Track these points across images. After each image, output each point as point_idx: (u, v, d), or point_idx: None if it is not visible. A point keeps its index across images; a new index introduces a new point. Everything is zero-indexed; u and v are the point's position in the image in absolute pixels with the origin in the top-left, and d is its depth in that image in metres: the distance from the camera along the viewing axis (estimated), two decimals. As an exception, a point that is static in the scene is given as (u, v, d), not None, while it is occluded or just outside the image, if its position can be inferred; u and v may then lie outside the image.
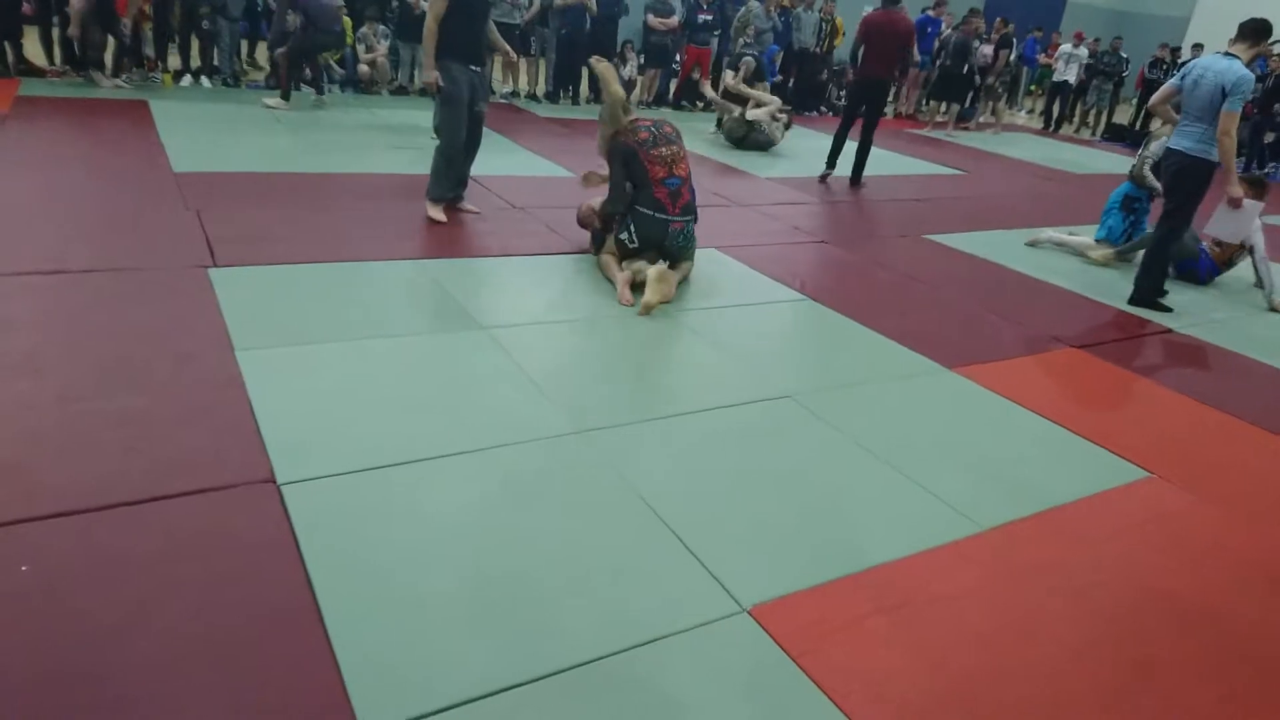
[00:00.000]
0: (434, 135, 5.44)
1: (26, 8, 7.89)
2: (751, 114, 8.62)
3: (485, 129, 6.77)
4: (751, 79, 8.88)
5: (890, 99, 12.21)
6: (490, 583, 2.13)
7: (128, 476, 2.34)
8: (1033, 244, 6.10)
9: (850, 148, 7.50)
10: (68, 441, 2.47)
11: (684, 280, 4.41)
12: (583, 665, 1.90)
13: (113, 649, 1.79)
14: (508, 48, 5.53)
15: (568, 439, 2.83)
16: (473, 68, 4.86)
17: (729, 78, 8.96)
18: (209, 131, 6.57)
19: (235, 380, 2.91)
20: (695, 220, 4.38)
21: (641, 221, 4.26)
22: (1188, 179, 4.66)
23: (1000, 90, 12.70)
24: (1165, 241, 4.88)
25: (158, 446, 2.49)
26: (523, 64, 10.16)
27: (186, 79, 8.50)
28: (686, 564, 2.28)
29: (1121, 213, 5.92)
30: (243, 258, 4.02)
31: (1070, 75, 13.37)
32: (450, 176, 5.04)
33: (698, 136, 8.87)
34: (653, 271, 4.12)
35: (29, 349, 2.96)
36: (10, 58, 7.89)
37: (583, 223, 4.89)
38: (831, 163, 7.65)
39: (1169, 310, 4.89)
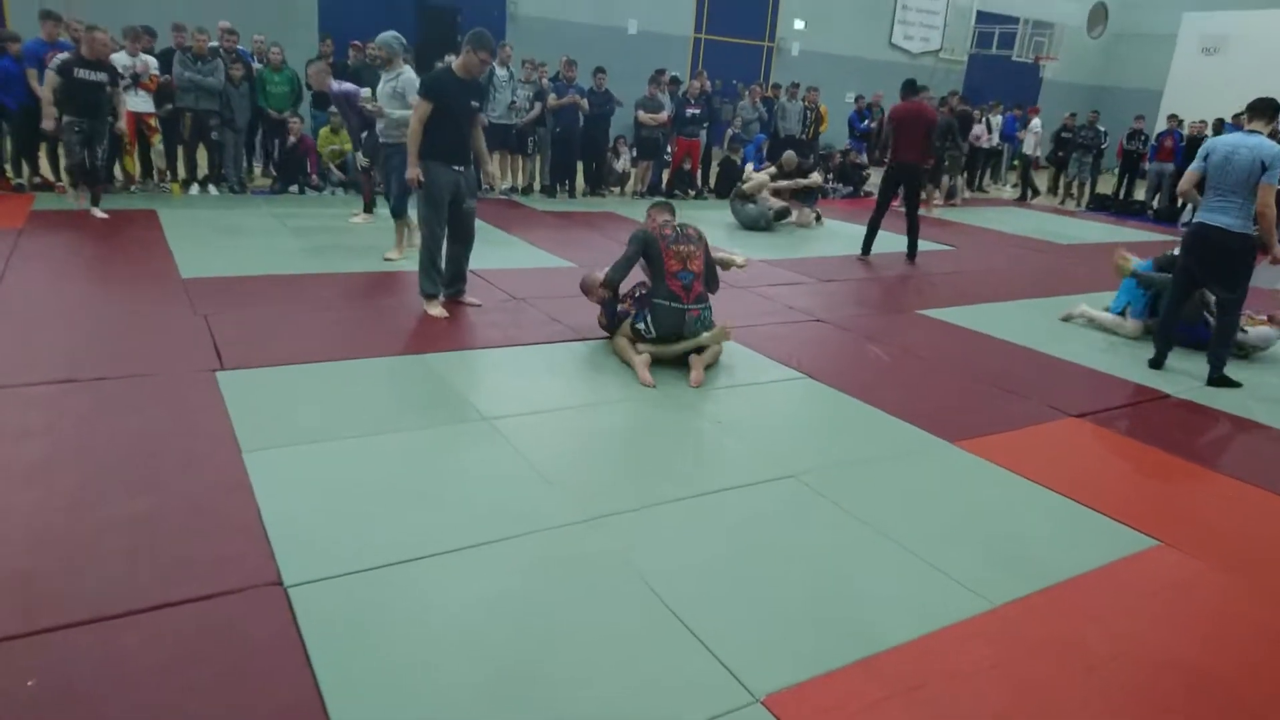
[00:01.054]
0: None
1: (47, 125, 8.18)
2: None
3: (484, 223, 6.95)
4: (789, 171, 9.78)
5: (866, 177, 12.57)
6: (499, 678, 2.11)
7: (135, 584, 2.34)
8: (1067, 319, 6.17)
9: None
10: (76, 550, 2.48)
11: (712, 364, 4.54)
12: (596, 762, 1.87)
13: (120, 763, 1.77)
14: (488, 164, 5.72)
15: (574, 528, 2.83)
16: (456, 167, 5.03)
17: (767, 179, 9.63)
18: (216, 237, 6.76)
19: (242, 481, 2.94)
20: (709, 306, 4.58)
21: (659, 312, 4.42)
22: (1237, 257, 4.75)
23: (951, 165, 12.66)
24: (1232, 325, 4.96)
25: (165, 551, 2.50)
26: (519, 161, 10.49)
27: (194, 188, 8.76)
28: (697, 653, 2.26)
29: (1140, 290, 5.93)
30: (250, 360, 4.09)
31: (1029, 148, 13.83)
32: (438, 271, 5.15)
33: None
34: (693, 357, 4.43)
35: (41, 458, 3.00)
36: (26, 173, 8.17)
37: (586, 290, 5.03)
38: (866, 249, 8.10)
39: (1238, 385, 4.89)
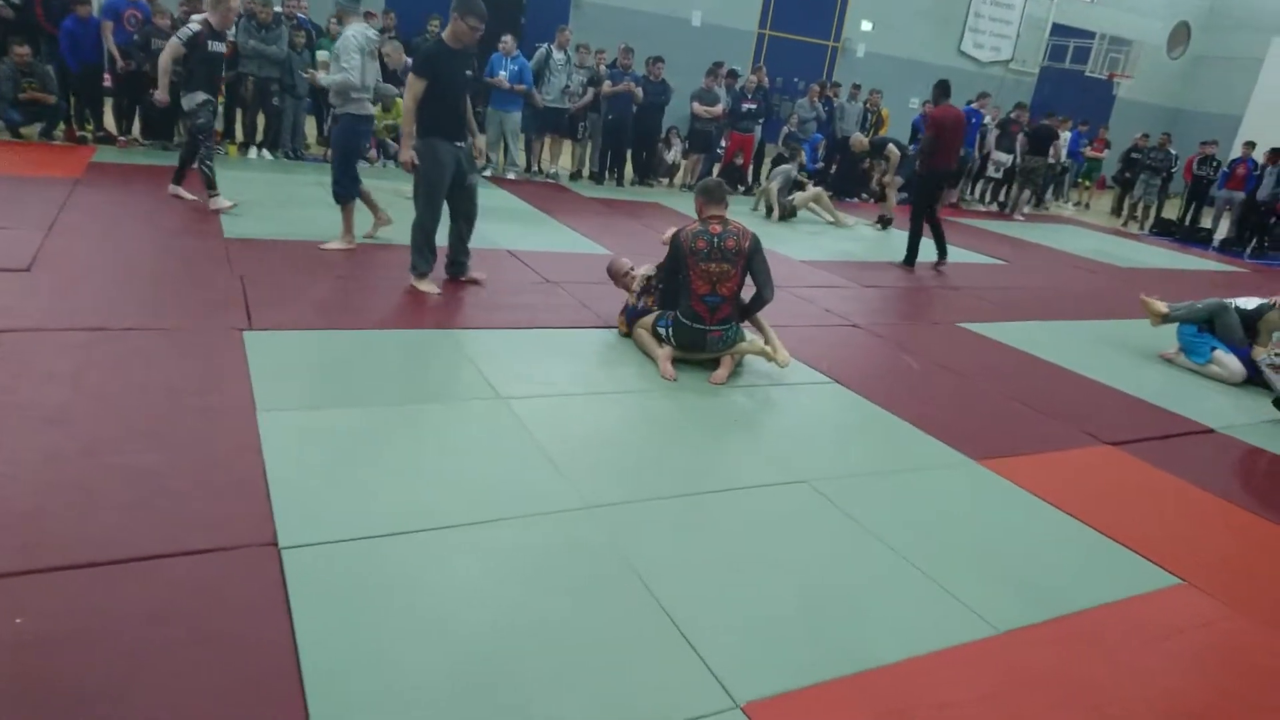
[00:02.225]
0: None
1: (107, 79, 8.40)
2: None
3: (528, 204, 6.91)
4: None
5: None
6: (478, 662, 2.09)
7: (135, 533, 2.37)
8: (1170, 360, 5.76)
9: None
10: (83, 495, 2.52)
11: (740, 363, 4.43)
12: (563, 754, 1.84)
13: (99, 706, 1.79)
14: (478, 138, 5.48)
15: (574, 514, 2.80)
16: (458, 144, 4.91)
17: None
18: (264, 200, 6.85)
19: (252, 441, 2.96)
20: (734, 326, 4.30)
21: (680, 329, 4.26)
22: None
23: (1037, 181, 12.76)
24: None
25: (169, 503, 2.53)
26: (567, 145, 10.48)
27: (251, 151, 8.91)
28: (682, 654, 2.22)
29: (1204, 335, 5.57)
30: (279, 322, 4.13)
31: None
32: (431, 250, 5.02)
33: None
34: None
35: (62, 401, 3.06)
36: (90, 126, 8.39)
37: (612, 275, 4.96)
38: (911, 261, 7.85)
39: None
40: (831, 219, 9.63)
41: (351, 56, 5.22)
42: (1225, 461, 4.13)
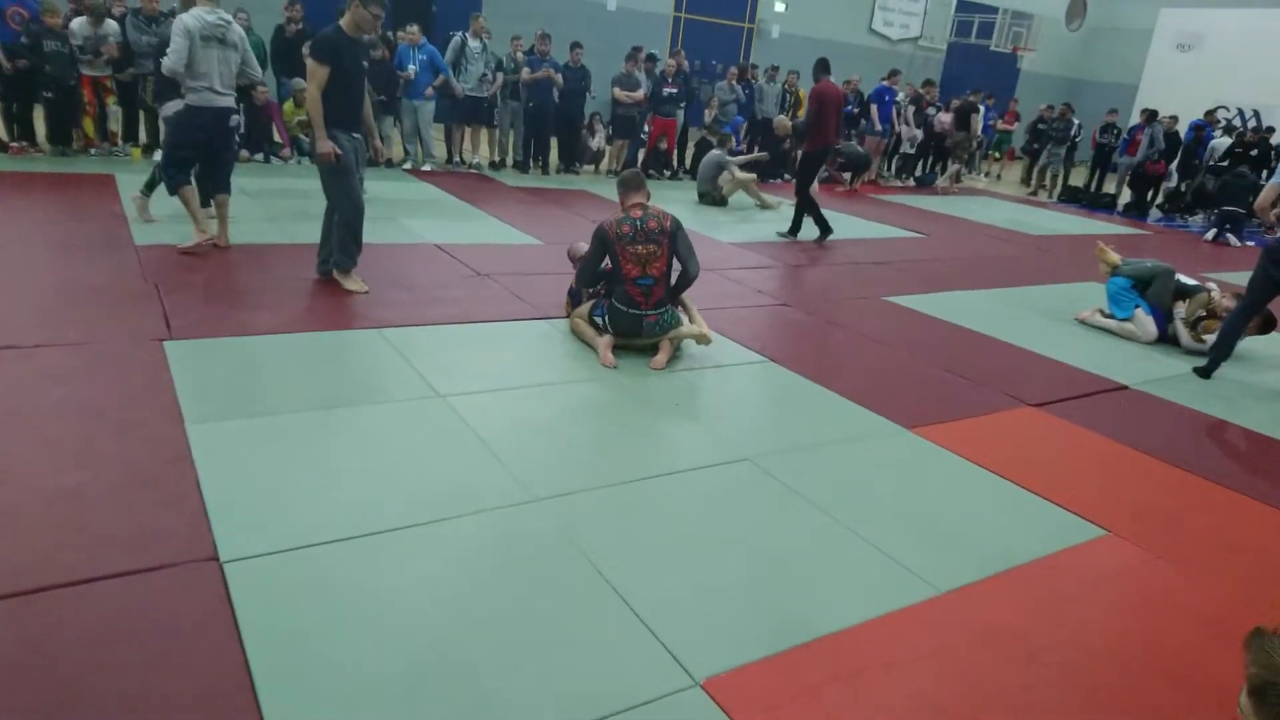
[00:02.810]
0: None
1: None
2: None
3: (452, 196, 6.80)
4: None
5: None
6: (437, 660, 2.08)
7: (60, 557, 2.27)
8: (1083, 322, 6.00)
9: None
10: (4, 520, 2.40)
11: (678, 347, 4.45)
12: (528, 745, 1.85)
13: (33, 741, 1.72)
14: (376, 136, 5.29)
15: (521, 508, 2.80)
16: (355, 135, 4.81)
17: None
18: (172, 203, 6.56)
19: (183, 454, 2.87)
20: (669, 309, 4.36)
21: (615, 315, 4.30)
22: None
23: (964, 155, 13.22)
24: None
25: (97, 524, 2.44)
26: (484, 134, 10.35)
27: (156, 153, 8.54)
28: (639, 636, 2.24)
29: (1133, 292, 5.81)
30: (199, 330, 4.00)
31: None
32: (357, 245, 4.91)
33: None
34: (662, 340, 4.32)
35: (-29, 426, 2.90)
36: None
37: (573, 259, 4.92)
38: (824, 231, 7.99)
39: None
40: (759, 203, 9.75)
41: (176, 40, 4.94)
42: (1139, 416, 4.35)
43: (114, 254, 5.07)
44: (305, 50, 5.36)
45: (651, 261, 4.26)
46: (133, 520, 2.48)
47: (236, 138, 5.45)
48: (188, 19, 4.98)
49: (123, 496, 2.59)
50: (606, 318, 4.33)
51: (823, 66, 7.93)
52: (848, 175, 11.97)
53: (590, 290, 4.61)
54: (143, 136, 8.66)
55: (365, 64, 4.83)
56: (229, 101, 5.26)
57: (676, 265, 4.39)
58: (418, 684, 1.99)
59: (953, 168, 13.31)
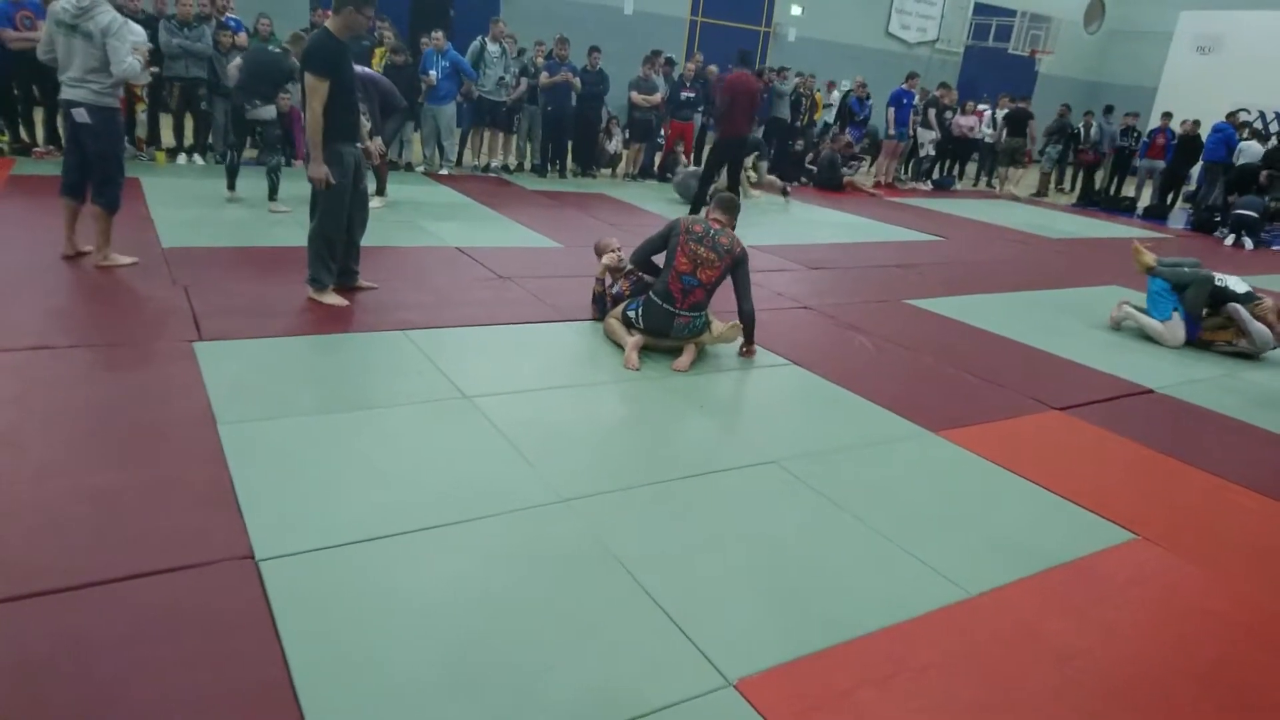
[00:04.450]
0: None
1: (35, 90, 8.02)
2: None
3: (473, 200, 6.81)
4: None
5: (869, 169, 12.61)
6: (470, 658, 2.09)
7: (100, 555, 2.30)
8: (1116, 325, 5.93)
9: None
10: (42, 519, 2.44)
11: (702, 350, 4.48)
12: (564, 744, 1.86)
13: (80, 735, 1.74)
14: (367, 139, 5.11)
15: (551, 508, 2.81)
16: (357, 144, 4.69)
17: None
18: (199, 207, 6.66)
19: (216, 454, 2.90)
20: (702, 315, 4.38)
21: (650, 307, 4.33)
22: None
23: (1021, 160, 13.66)
24: None
25: (134, 523, 2.47)
26: (501, 139, 10.39)
27: (180, 157, 8.64)
28: (671, 636, 2.25)
29: (1173, 295, 5.72)
30: (229, 331, 4.04)
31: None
32: (335, 260, 4.70)
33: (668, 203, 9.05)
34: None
35: (8, 425, 2.95)
36: (5, 137, 8.04)
37: (598, 252, 5.02)
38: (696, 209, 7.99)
39: None
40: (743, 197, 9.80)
41: (131, 39, 4.70)
42: (1165, 420, 4.32)
43: (142, 256, 5.12)
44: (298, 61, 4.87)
45: (704, 267, 4.31)
46: (168, 519, 2.51)
47: (105, 142, 4.78)
48: (53, 4, 4.60)
49: (157, 496, 2.62)
50: (640, 311, 4.37)
51: (740, 58, 7.96)
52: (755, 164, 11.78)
53: (624, 283, 4.70)
54: (170, 140, 8.74)
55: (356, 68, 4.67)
56: (77, 94, 4.62)
57: (724, 291, 4.49)
58: (452, 682, 2.01)
59: (1016, 172, 13.65)
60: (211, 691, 1.89)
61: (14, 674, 1.88)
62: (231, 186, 7.19)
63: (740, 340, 4.52)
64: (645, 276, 4.67)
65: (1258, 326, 5.45)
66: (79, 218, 4.96)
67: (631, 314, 4.41)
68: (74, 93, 4.64)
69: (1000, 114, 13.66)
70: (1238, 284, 5.72)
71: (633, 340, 4.32)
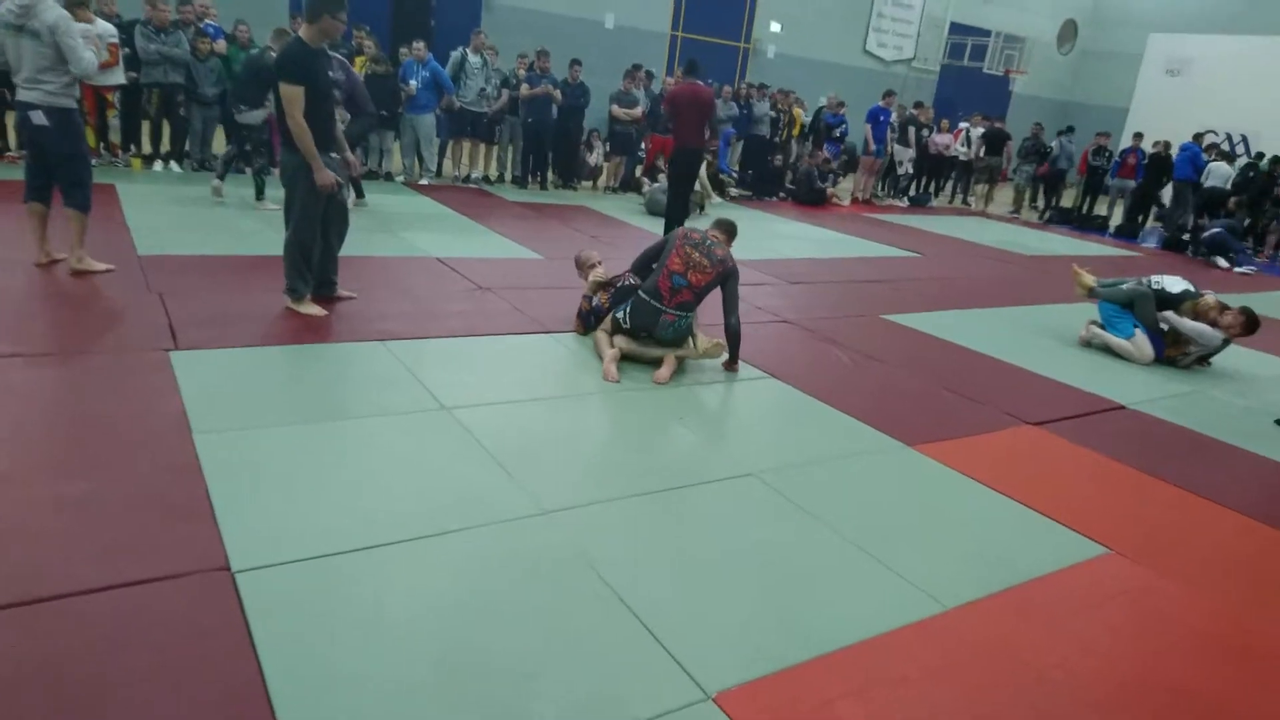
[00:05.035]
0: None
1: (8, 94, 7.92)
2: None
3: (452, 211, 6.78)
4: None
5: (832, 185, 12.72)
6: (447, 671, 2.08)
7: (74, 565, 2.27)
8: (1085, 344, 5.98)
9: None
10: (10, 529, 2.40)
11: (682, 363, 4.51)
12: (543, 757, 1.85)
13: (50, 750, 1.72)
14: (347, 149, 5.01)
15: (530, 521, 2.81)
16: (334, 154, 4.63)
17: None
18: (176, 215, 6.60)
19: (192, 464, 2.87)
20: (688, 316, 4.45)
21: (637, 306, 4.43)
22: None
23: (996, 178, 14.08)
24: None
25: (108, 533, 2.43)
26: (482, 150, 10.39)
27: (157, 164, 8.56)
28: (650, 649, 2.25)
29: (1126, 314, 5.82)
30: (205, 341, 4.00)
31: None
32: (310, 270, 4.65)
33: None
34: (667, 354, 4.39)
35: (-21, 434, 2.90)
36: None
37: (578, 265, 5.08)
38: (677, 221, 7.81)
39: None
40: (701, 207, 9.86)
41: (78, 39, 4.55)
42: (1137, 435, 4.39)
43: (117, 264, 5.06)
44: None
45: (696, 270, 4.43)
46: (143, 529, 2.48)
47: (66, 143, 4.68)
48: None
49: (132, 506, 2.59)
50: (628, 310, 4.46)
51: (688, 67, 7.88)
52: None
53: (604, 296, 4.77)
54: (146, 146, 8.66)
55: (331, 75, 4.65)
56: (31, 97, 4.52)
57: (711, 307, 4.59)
58: (429, 693, 2.00)
59: (983, 189, 14.04)
60: (187, 702, 1.87)
61: (-17, 687, 1.85)
62: (221, 177, 7.45)
63: (724, 357, 4.55)
64: (631, 280, 4.70)
65: (1194, 326, 5.58)
66: (48, 223, 4.89)
67: (620, 315, 4.49)
68: (28, 94, 4.53)
69: (976, 132, 13.87)
70: (1173, 284, 5.87)
71: (611, 352, 4.34)
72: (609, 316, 4.60)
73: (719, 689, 2.13)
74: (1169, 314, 5.69)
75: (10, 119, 8.03)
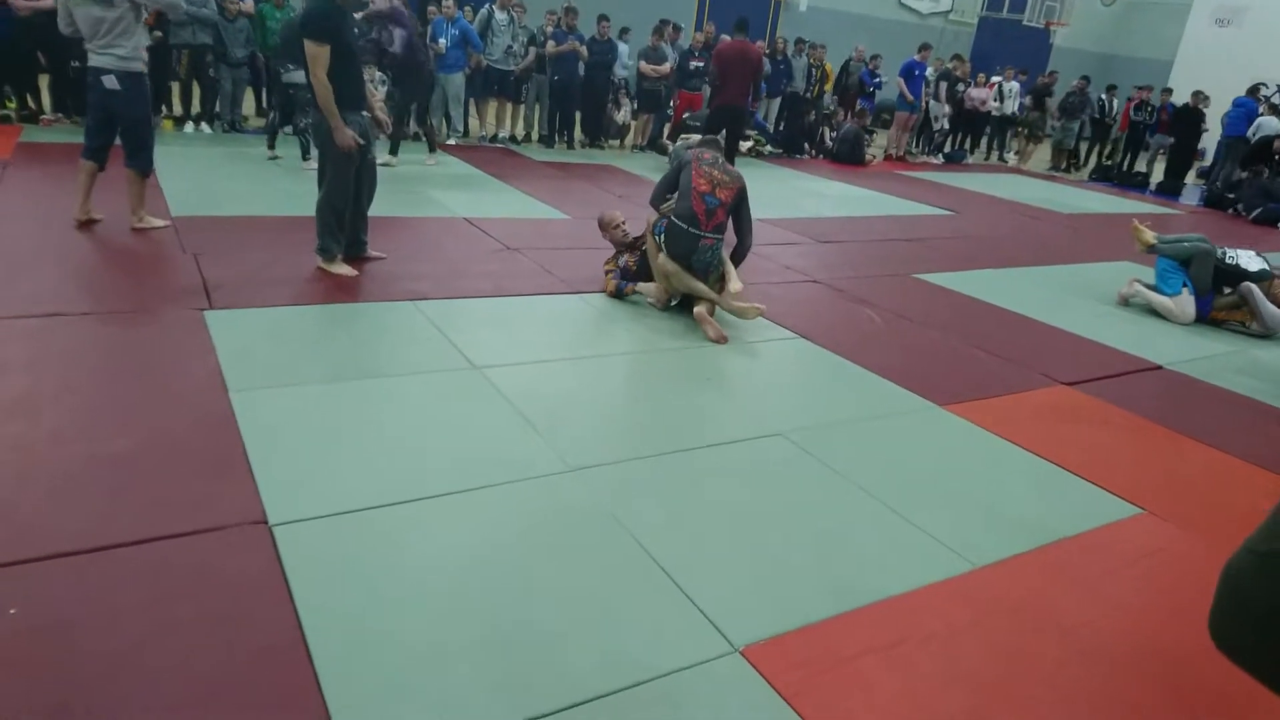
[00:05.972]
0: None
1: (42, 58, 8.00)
2: None
3: (480, 171, 6.74)
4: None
5: (868, 142, 12.49)
6: (480, 623, 2.12)
7: (118, 519, 2.34)
8: (1124, 302, 5.90)
9: None
10: (59, 483, 2.47)
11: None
12: (571, 708, 1.89)
13: (103, 690, 1.78)
14: (376, 109, 5.09)
15: (560, 478, 2.83)
16: (363, 114, 4.67)
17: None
18: (208, 176, 6.66)
19: (229, 421, 2.93)
20: (720, 240, 4.51)
21: (673, 233, 4.43)
22: None
23: (1038, 134, 13.98)
24: None
25: (149, 487, 2.50)
26: (509, 109, 10.33)
27: (188, 125, 8.62)
28: (679, 603, 2.28)
29: (1180, 271, 5.67)
30: (239, 300, 4.05)
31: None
32: (342, 230, 4.72)
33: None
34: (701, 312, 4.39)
35: (23, 391, 2.98)
36: (13, 104, 8.02)
37: (601, 226, 5.06)
38: None
39: None
40: None
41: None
42: (1173, 396, 4.31)
43: (151, 225, 5.13)
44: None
45: (721, 187, 4.45)
46: (182, 484, 2.54)
47: (136, 107, 4.87)
48: None
49: (171, 461, 2.65)
50: (663, 237, 4.47)
51: (738, 25, 7.90)
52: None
53: (630, 258, 4.81)
54: (177, 107, 8.72)
55: (357, 33, 4.73)
56: (103, 61, 4.69)
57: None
58: (464, 644, 2.04)
59: (1027, 146, 13.95)
60: (228, 649, 1.93)
61: (42, 631, 1.92)
62: (271, 146, 7.59)
63: (756, 318, 4.46)
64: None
65: (1270, 309, 5.41)
66: (95, 183, 5.01)
67: (659, 236, 4.50)
68: (100, 59, 4.69)
69: (1010, 86, 13.51)
70: (1250, 260, 5.66)
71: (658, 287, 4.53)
72: (650, 228, 4.57)
73: (746, 642, 2.15)
74: (1253, 287, 5.45)
75: (44, 83, 8.13)
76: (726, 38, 11.50)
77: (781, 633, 2.20)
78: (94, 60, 4.70)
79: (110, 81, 4.70)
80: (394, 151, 7.92)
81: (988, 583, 2.54)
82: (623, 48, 10.68)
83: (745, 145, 11.42)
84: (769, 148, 11.93)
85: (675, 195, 4.49)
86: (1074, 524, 2.92)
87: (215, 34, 8.33)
